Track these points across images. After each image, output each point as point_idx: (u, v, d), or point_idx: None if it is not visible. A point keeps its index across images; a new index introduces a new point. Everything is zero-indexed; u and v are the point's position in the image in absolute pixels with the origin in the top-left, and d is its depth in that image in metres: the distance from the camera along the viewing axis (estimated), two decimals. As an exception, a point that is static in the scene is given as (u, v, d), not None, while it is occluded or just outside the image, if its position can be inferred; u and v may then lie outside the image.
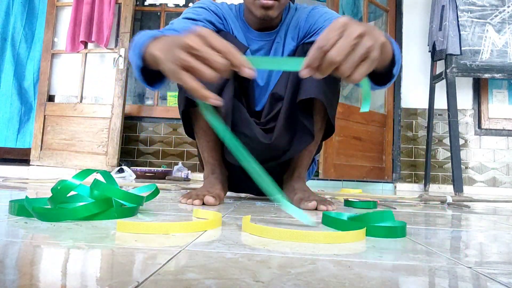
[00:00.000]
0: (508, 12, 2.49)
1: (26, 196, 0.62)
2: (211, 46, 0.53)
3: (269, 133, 1.01)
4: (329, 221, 0.63)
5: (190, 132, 1.11)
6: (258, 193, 1.24)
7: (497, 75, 2.46)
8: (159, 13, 3.44)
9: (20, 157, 3.33)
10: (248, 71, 0.53)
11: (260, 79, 1.08)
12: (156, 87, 0.81)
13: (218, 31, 1.03)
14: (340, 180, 2.85)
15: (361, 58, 0.53)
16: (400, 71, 3.05)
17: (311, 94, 0.94)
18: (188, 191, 1.23)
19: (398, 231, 0.58)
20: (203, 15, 1.01)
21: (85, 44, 3.00)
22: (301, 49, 1.03)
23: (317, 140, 1.07)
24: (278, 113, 1.01)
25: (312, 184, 1.97)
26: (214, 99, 0.55)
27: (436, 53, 2.62)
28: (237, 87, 1.03)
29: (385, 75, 0.77)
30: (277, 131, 0.99)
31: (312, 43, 1.00)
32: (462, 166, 2.82)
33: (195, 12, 1.02)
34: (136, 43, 0.72)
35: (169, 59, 0.56)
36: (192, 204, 0.91)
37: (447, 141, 2.98)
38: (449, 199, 1.30)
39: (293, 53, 1.06)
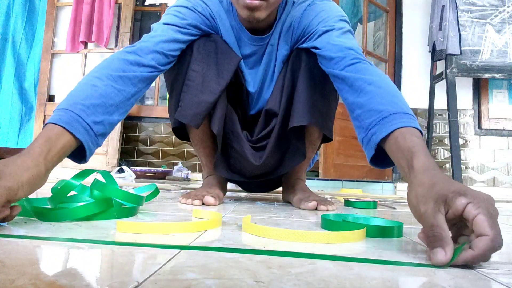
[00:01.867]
0: (508, 12, 2.49)
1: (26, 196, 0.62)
2: None
3: (260, 151, 0.97)
4: (327, 224, 0.63)
5: (183, 136, 1.09)
6: (260, 192, 1.24)
7: (497, 75, 2.46)
8: (159, 13, 3.44)
9: (20, 157, 3.33)
10: None
11: (251, 87, 1.02)
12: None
13: (208, 35, 0.94)
14: (340, 180, 2.85)
15: None
16: (400, 71, 3.06)
17: (303, 121, 0.90)
18: (188, 191, 1.23)
19: (395, 232, 0.57)
20: (187, 19, 0.90)
21: (85, 44, 3.00)
22: (295, 55, 0.95)
23: (314, 147, 1.05)
24: (271, 131, 0.97)
25: (312, 184, 1.97)
26: None
27: (436, 53, 2.62)
28: (231, 93, 1.00)
29: None
30: (268, 151, 0.96)
31: (306, 49, 0.93)
32: (462, 166, 2.82)
33: (178, 15, 0.91)
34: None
35: None
36: (192, 204, 0.91)
37: (447, 141, 2.98)
38: (449, 199, 1.29)
39: (287, 59, 0.98)
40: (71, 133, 0.63)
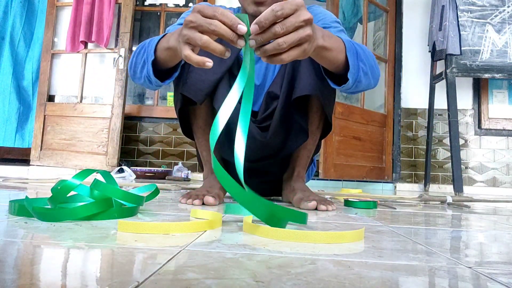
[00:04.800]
0: (508, 12, 2.49)
1: (26, 196, 0.62)
2: (206, 16, 0.58)
3: (265, 131, 1.02)
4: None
5: (187, 131, 1.11)
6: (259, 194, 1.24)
7: (497, 75, 2.46)
8: (159, 13, 3.44)
9: (20, 157, 3.33)
10: (240, 27, 0.57)
11: (256, 79, 1.08)
12: (166, 82, 0.88)
13: None
14: (340, 180, 2.85)
15: (296, 42, 0.57)
16: (400, 71, 3.05)
17: (306, 91, 0.95)
18: (188, 191, 1.23)
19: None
20: None
21: (85, 44, 3.00)
22: None
23: (315, 139, 1.07)
24: (274, 111, 1.02)
25: (312, 184, 1.97)
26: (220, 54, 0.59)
27: (436, 53, 2.62)
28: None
29: (340, 77, 0.82)
30: (272, 129, 1.00)
31: None
32: (462, 166, 2.82)
33: None
34: (145, 46, 0.81)
35: (178, 40, 0.64)
36: (192, 204, 0.91)
37: (447, 141, 2.98)
38: (449, 199, 1.30)
39: None
40: None
